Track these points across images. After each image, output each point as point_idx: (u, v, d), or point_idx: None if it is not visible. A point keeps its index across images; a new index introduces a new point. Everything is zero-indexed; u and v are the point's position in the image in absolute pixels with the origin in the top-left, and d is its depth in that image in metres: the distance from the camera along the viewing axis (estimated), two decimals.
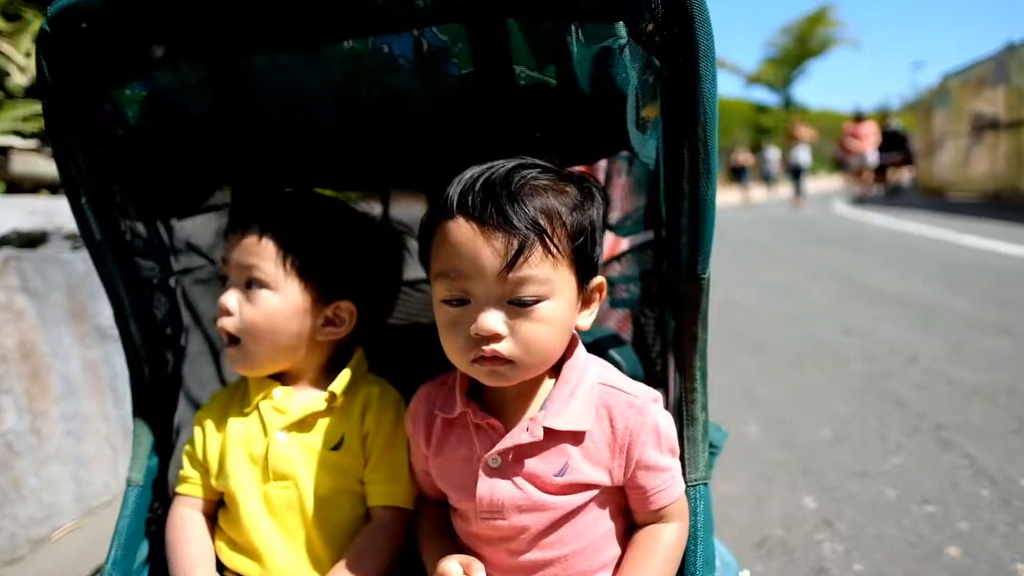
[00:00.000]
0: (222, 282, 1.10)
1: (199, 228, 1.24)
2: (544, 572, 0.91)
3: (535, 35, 0.96)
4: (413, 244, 1.15)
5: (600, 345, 1.19)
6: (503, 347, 0.86)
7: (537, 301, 0.85)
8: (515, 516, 0.90)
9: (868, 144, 17.44)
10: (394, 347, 1.26)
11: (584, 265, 0.90)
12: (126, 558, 1.10)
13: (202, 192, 1.26)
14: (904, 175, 18.54)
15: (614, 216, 1.27)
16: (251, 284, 1.05)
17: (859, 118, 18.23)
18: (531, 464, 0.90)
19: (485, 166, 0.90)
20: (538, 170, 0.89)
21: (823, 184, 24.17)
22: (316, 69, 1.02)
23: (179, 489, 1.12)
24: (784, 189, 21.94)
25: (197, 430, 1.13)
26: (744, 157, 21.60)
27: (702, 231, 0.88)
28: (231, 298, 1.05)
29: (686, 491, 0.96)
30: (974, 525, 1.89)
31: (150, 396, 1.15)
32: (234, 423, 1.09)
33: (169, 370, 1.19)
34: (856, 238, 9.36)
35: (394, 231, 1.25)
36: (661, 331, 1.22)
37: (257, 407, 1.09)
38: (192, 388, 1.25)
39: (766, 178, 21.86)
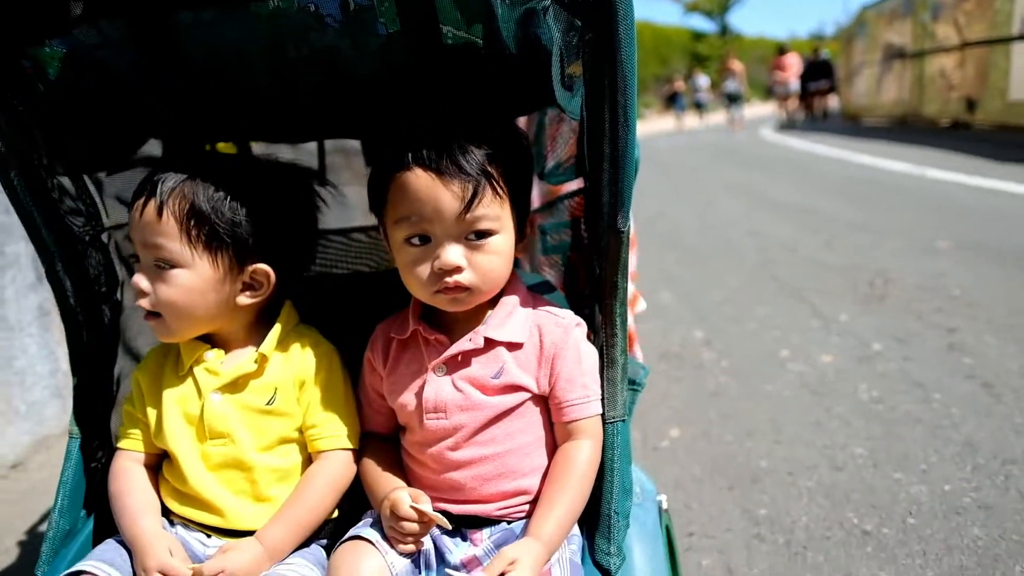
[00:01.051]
0: (135, 259, 1.07)
1: (129, 183, 1.20)
2: (479, 466, 1.01)
3: None
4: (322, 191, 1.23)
5: (534, 291, 1.27)
6: (464, 277, 0.96)
7: (489, 235, 0.97)
8: (456, 415, 1.00)
9: (791, 74, 18.53)
10: (318, 296, 1.28)
11: (521, 202, 1.02)
12: (72, 507, 1.13)
13: (130, 146, 1.26)
14: (832, 102, 19.72)
15: (548, 165, 1.36)
16: (160, 264, 1.03)
17: (782, 50, 19.50)
18: (471, 369, 1.01)
19: (423, 119, 0.99)
20: (473, 120, 0.99)
21: (757, 110, 25.01)
22: (242, 26, 1.02)
23: (120, 444, 1.13)
24: (715, 116, 22.92)
25: (135, 389, 1.14)
26: (679, 84, 22.34)
27: (622, 188, 0.92)
28: (142, 279, 1.04)
29: (605, 427, 1.03)
30: (802, 338, 2.96)
31: (87, 350, 1.17)
32: (169, 384, 1.11)
33: (106, 323, 1.20)
34: (773, 160, 10.31)
35: (300, 180, 1.20)
36: (590, 278, 1.27)
37: (190, 370, 1.10)
38: (130, 339, 1.26)
39: (697, 105, 22.55)
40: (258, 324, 1.13)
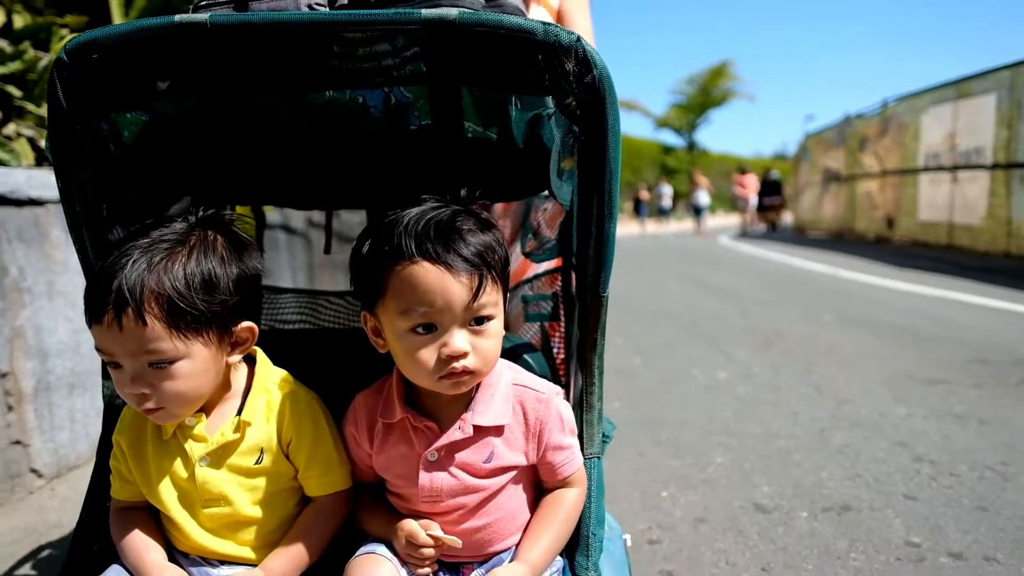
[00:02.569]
0: (113, 367, 1.02)
1: None
2: (475, 536, 1.08)
3: (483, 100, 1.16)
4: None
5: (516, 351, 1.41)
6: (469, 362, 1.02)
7: (488, 320, 1.03)
8: (451, 499, 1.07)
9: (749, 191, 21.08)
10: (318, 351, 1.35)
11: (507, 286, 1.09)
12: (92, 529, 1.19)
13: (171, 202, 1.35)
14: (785, 216, 21.97)
15: (530, 245, 1.54)
16: (157, 364, 1.00)
17: (743, 171, 22.65)
18: (463, 456, 1.07)
19: (420, 212, 1.02)
20: (466, 214, 1.05)
21: (724, 221, 27.31)
22: (300, 109, 1.19)
23: (115, 495, 1.14)
24: (675, 224, 25.44)
25: (117, 449, 1.13)
26: (644, 194, 24.67)
27: (605, 260, 1.10)
28: (139, 384, 1.00)
29: (584, 463, 1.14)
30: (709, 364, 4.23)
31: (108, 390, 1.24)
32: (154, 450, 1.10)
33: None
34: (719, 259, 11.88)
35: (241, 237, 1.15)
36: (567, 341, 1.46)
37: (174, 435, 1.09)
38: None
39: (660, 212, 24.89)
40: (233, 375, 1.13)
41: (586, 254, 1.12)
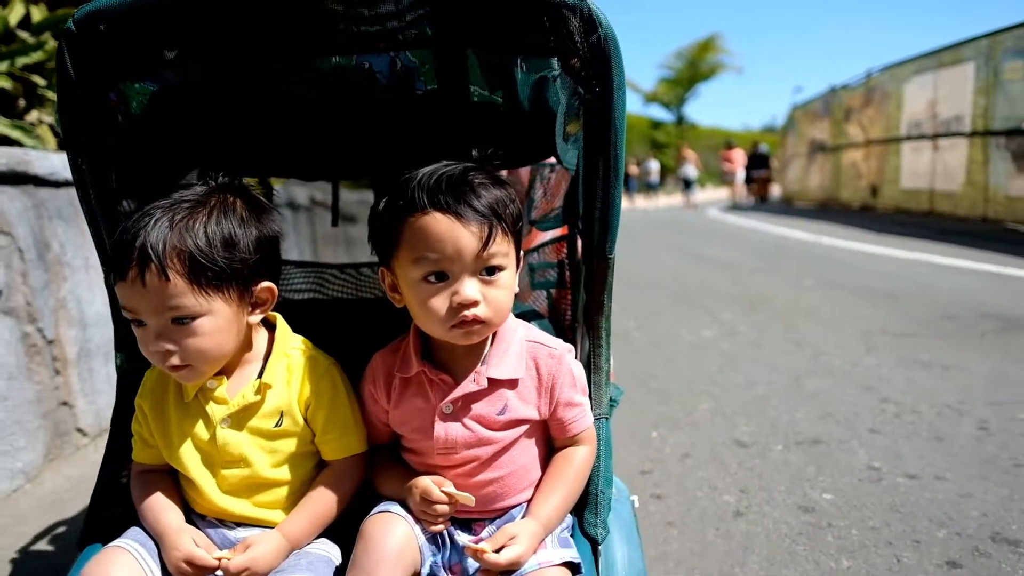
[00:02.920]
0: (137, 325, 1.05)
1: None
2: (487, 489, 1.11)
3: (488, 64, 1.17)
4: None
5: (523, 318, 1.37)
6: (480, 311, 1.04)
7: (499, 270, 1.06)
8: (465, 451, 1.10)
9: (736, 165, 21.34)
10: (329, 319, 1.36)
11: (519, 240, 1.12)
12: (110, 491, 1.21)
13: (178, 174, 1.35)
14: (774, 188, 22.23)
15: (536, 214, 1.56)
16: (180, 320, 1.03)
17: (729, 145, 22.87)
18: (477, 408, 1.10)
19: (433, 169, 1.06)
20: (478, 171, 1.09)
21: (713, 194, 27.24)
22: (307, 78, 1.20)
23: (136, 458, 1.17)
24: (664, 198, 25.40)
25: (139, 413, 1.16)
26: (632, 168, 24.57)
27: (611, 222, 1.11)
28: (163, 340, 1.03)
29: (593, 423, 1.16)
30: (696, 325, 4.47)
31: (126, 359, 1.26)
32: (176, 413, 1.12)
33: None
34: (708, 230, 12.12)
35: (260, 200, 1.18)
36: (573, 306, 1.48)
37: (195, 398, 1.12)
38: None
39: (649, 187, 24.84)
40: (254, 338, 1.16)
41: (592, 217, 1.14)
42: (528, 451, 1.13)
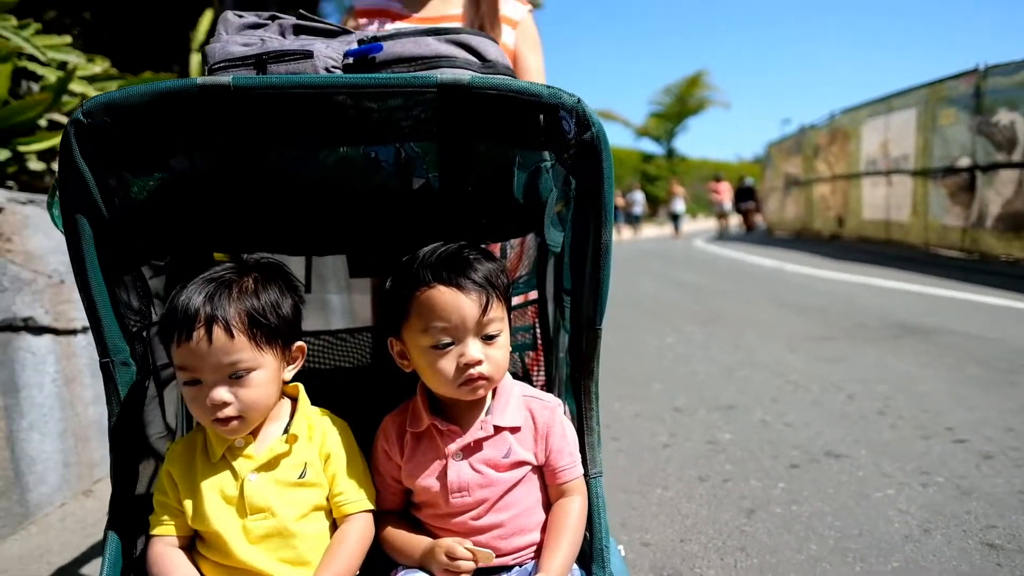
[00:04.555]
0: (191, 385, 1.15)
1: (158, 284, 1.33)
2: (497, 531, 1.21)
3: (487, 155, 1.25)
4: None
5: None
6: (484, 369, 1.18)
7: (499, 333, 1.20)
8: (477, 492, 1.21)
9: (724, 196, 22.68)
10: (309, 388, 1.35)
11: (509, 306, 1.27)
12: None
13: (167, 251, 1.36)
14: (759, 218, 23.40)
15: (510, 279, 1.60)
16: (238, 375, 1.14)
17: (717, 178, 24.24)
18: (484, 452, 1.22)
19: (432, 248, 1.22)
20: (471, 248, 1.24)
21: (702, 224, 28.27)
22: (313, 165, 1.25)
23: (154, 531, 1.20)
24: (654, 229, 26.47)
25: (165, 480, 1.22)
26: (617, 200, 24.26)
27: (600, 296, 1.19)
28: (222, 392, 1.14)
29: (588, 482, 1.26)
30: (660, 334, 5.45)
31: (125, 440, 1.23)
32: (204, 472, 1.20)
33: (137, 414, 1.26)
34: (687, 258, 13.27)
35: (282, 270, 1.30)
36: (547, 368, 1.60)
37: (223, 457, 1.20)
38: (144, 427, 1.31)
39: (631, 219, 25.10)
40: (278, 406, 1.26)
41: (581, 291, 1.23)
42: (532, 492, 1.24)
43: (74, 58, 3.51)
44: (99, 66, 3.77)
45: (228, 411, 1.15)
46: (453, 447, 1.21)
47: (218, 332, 1.13)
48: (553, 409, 1.27)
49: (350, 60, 1.14)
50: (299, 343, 1.27)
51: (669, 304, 7.32)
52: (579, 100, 1.08)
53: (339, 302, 1.99)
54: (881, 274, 8.73)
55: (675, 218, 23.08)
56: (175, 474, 1.21)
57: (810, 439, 3.04)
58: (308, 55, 1.11)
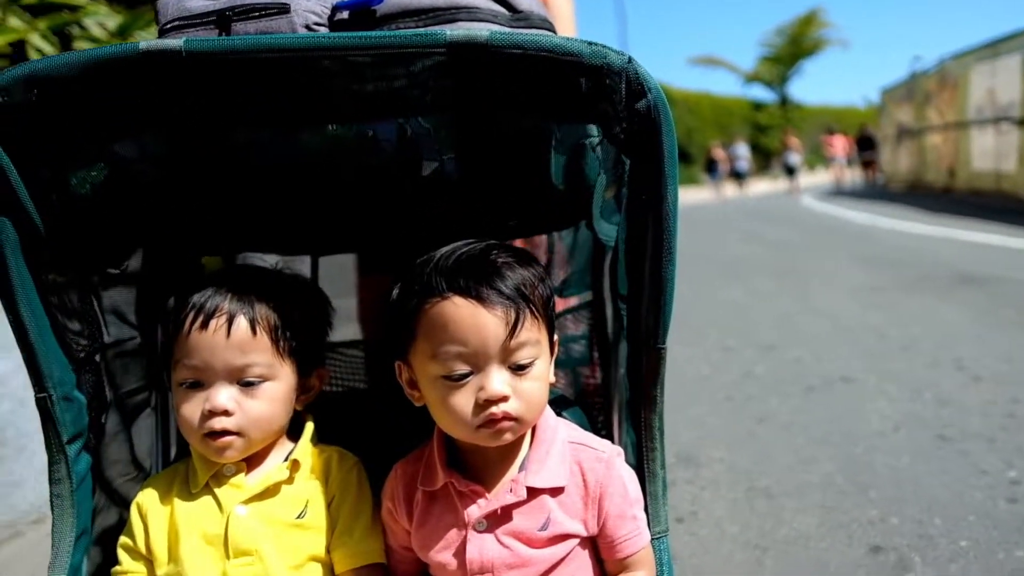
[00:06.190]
0: (195, 385, 1.00)
1: (124, 296, 1.15)
2: None
3: (516, 129, 1.03)
4: None
5: (550, 404, 1.18)
6: (511, 406, 0.92)
7: (532, 361, 0.93)
8: (505, 573, 0.95)
9: (838, 149, 22.08)
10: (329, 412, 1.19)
11: (551, 324, 1.00)
12: None
13: (123, 257, 1.18)
14: (876, 171, 22.13)
15: (555, 281, 1.40)
16: (249, 382, 1.00)
17: (831, 131, 23.22)
18: (516, 523, 0.95)
19: (451, 248, 0.96)
20: (502, 248, 0.98)
21: (820, 178, 26.40)
22: (294, 147, 1.04)
23: None
24: (760, 185, 25.23)
25: (136, 520, 1.04)
26: (718, 153, 23.01)
27: (663, 307, 0.94)
28: (225, 398, 0.99)
29: (652, 544, 1.00)
30: (732, 286, 6.02)
31: (69, 486, 0.99)
32: (181, 506, 1.03)
33: (90, 454, 1.04)
34: (783, 215, 13.40)
35: (322, 293, 1.19)
36: (604, 389, 1.34)
37: (207, 486, 1.03)
38: (106, 470, 1.12)
39: (737, 175, 22.99)
40: (282, 439, 1.10)
41: (640, 300, 1.00)
42: (580, 572, 0.99)
43: None
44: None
45: (227, 422, 0.99)
46: (475, 513, 0.96)
47: (240, 325, 1.00)
48: (609, 462, 1.00)
49: (344, 14, 0.92)
50: (320, 369, 1.14)
51: (746, 259, 7.77)
52: (630, 60, 0.87)
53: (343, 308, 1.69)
54: (973, 227, 8.74)
55: (790, 171, 22.08)
56: (145, 508, 1.04)
57: (832, 370, 3.59)
58: (284, 9, 0.90)
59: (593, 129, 1.01)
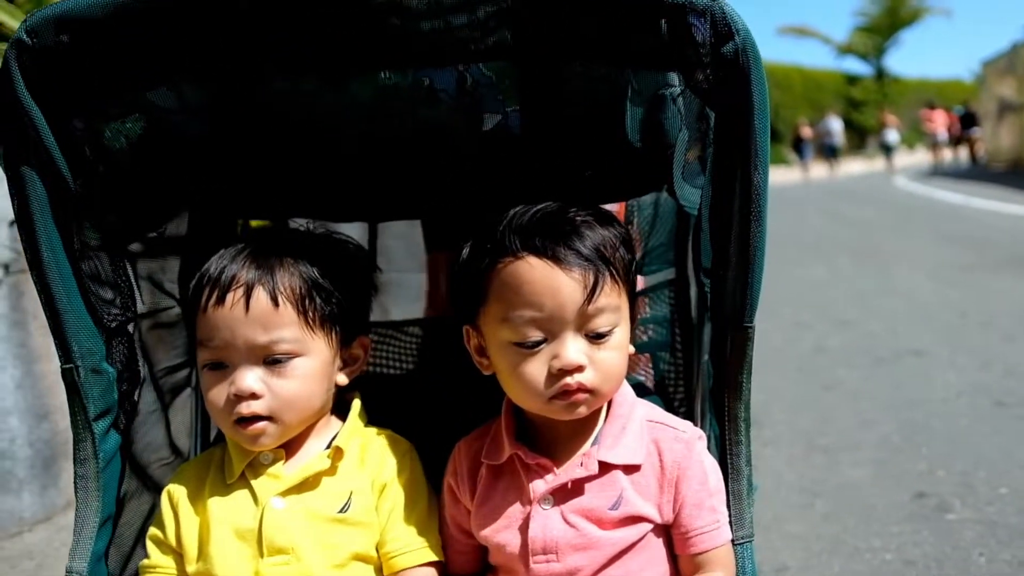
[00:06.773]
0: (219, 367, 0.92)
1: (160, 262, 1.08)
2: None
3: (588, 78, 0.94)
4: None
5: None
6: (586, 377, 0.86)
7: (611, 329, 0.88)
8: (569, 556, 0.88)
9: (938, 125, 20.95)
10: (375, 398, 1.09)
11: (632, 291, 0.94)
12: None
13: (163, 219, 1.11)
14: (980, 149, 20.74)
15: (636, 254, 1.22)
16: (276, 359, 0.91)
17: (931, 106, 22.06)
18: (585, 500, 0.89)
19: (527, 207, 0.91)
20: (581, 208, 0.92)
21: (918, 157, 25.29)
22: (344, 98, 0.96)
23: (143, 572, 0.97)
24: (853, 164, 23.92)
25: (166, 511, 0.97)
26: (806, 131, 21.68)
27: (751, 280, 0.85)
28: (251, 379, 0.90)
29: (734, 549, 0.91)
30: (814, 263, 6.14)
31: (95, 466, 0.92)
32: (215, 497, 0.95)
33: (120, 433, 0.98)
34: (873, 195, 13.17)
35: (355, 249, 1.09)
36: (686, 376, 1.25)
37: (243, 476, 0.96)
38: (140, 453, 1.06)
39: (831, 152, 21.70)
40: (326, 420, 1.01)
41: (725, 274, 0.90)
42: (652, 567, 0.91)
43: None
44: None
45: (255, 406, 0.92)
46: (541, 488, 0.91)
47: (260, 297, 0.92)
48: (689, 443, 0.94)
49: None
50: (362, 338, 1.05)
51: (829, 239, 7.77)
52: None
53: (405, 283, 1.57)
54: None
55: (887, 150, 21.42)
56: (176, 498, 0.98)
57: (905, 344, 3.72)
58: None
59: (674, 77, 0.92)
